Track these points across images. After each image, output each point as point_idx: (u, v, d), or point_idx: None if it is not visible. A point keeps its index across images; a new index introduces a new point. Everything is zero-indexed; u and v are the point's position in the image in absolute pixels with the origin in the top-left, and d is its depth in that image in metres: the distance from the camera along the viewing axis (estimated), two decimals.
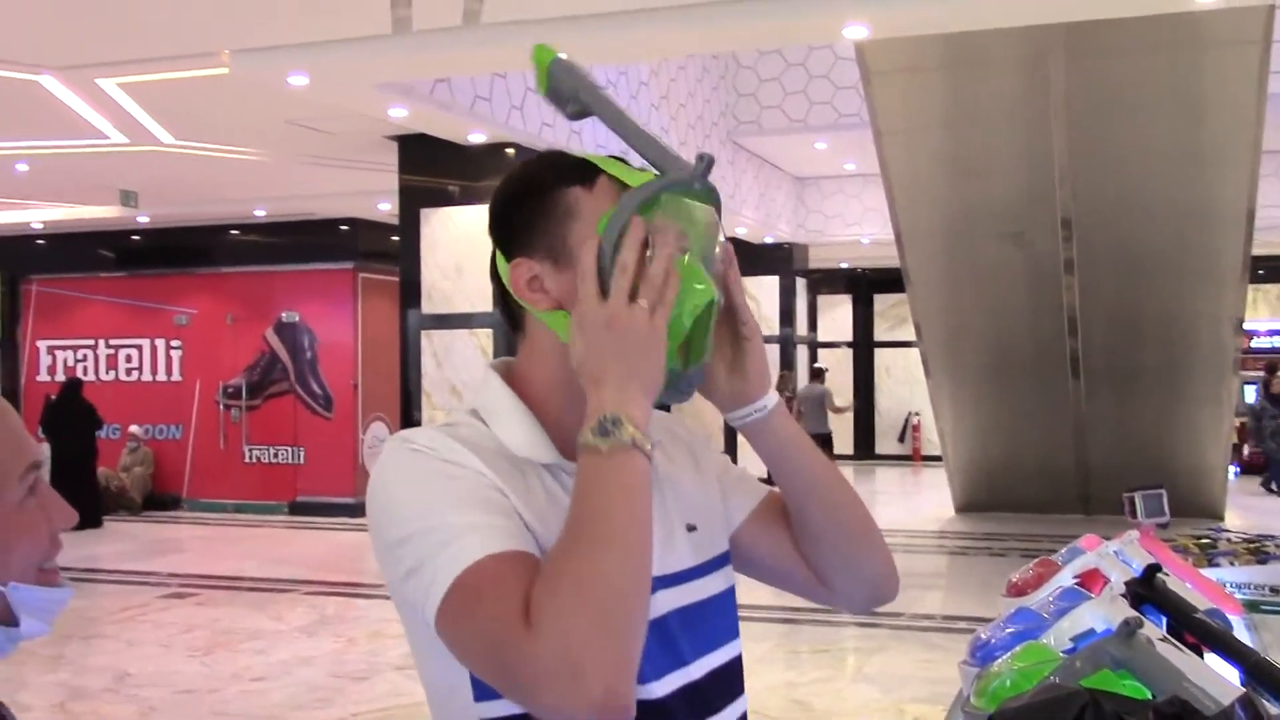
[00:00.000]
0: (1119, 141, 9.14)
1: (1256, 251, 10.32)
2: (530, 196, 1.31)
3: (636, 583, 1.10)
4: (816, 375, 16.35)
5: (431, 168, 9.31)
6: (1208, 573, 2.48)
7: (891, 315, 20.56)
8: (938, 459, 14.25)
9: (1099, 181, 9.37)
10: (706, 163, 1.25)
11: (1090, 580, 1.95)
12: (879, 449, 20.75)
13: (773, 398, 1.34)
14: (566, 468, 1.27)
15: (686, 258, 1.23)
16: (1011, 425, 11.59)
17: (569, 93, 1.30)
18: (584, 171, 1.29)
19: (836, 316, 21.14)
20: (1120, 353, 10.54)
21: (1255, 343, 18.20)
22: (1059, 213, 9.57)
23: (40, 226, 14.26)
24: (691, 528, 1.36)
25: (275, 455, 14.34)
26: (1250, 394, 17.70)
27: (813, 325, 19.41)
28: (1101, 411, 11.02)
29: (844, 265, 20.05)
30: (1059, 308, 10.21)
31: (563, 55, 1.32)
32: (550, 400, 1.31)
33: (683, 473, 1.40)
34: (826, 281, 20.36)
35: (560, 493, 1.26)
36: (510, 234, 1.32)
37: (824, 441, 16.02)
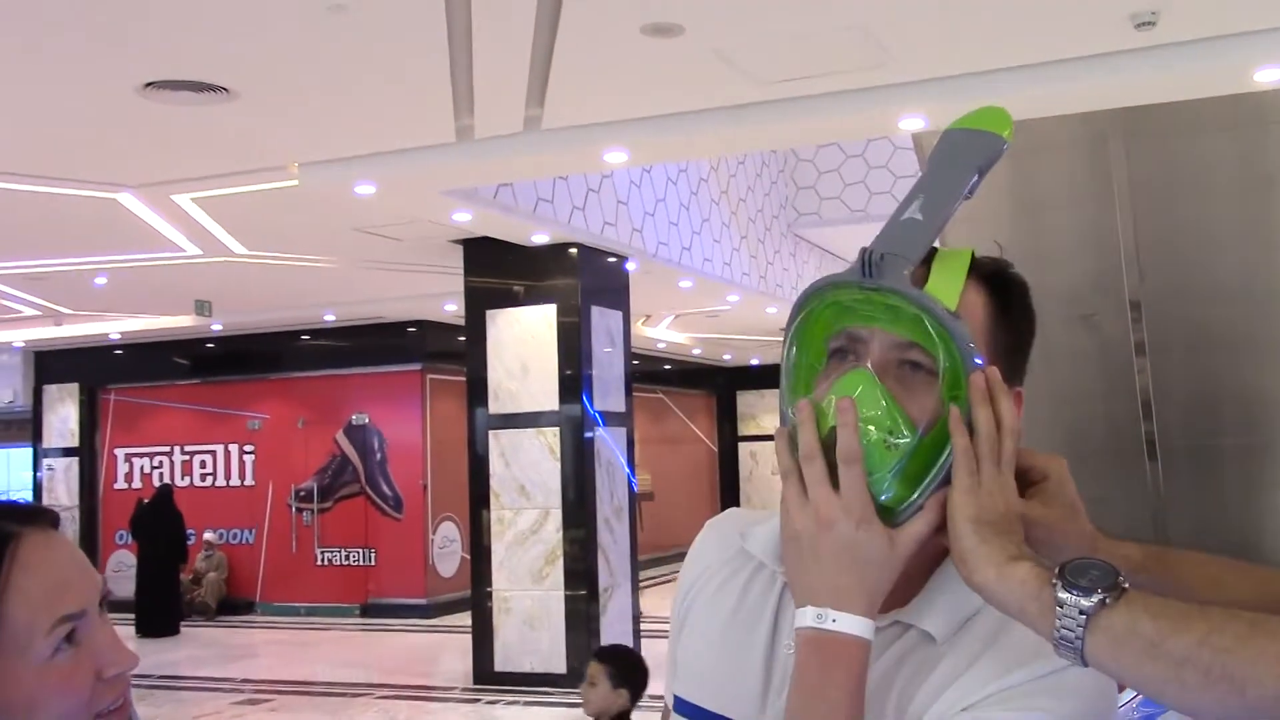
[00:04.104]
0: (1185, 222, 9.03)
1: None
2: None
3: None
4: None
5: (496, 269, 9.43)
6: None
7: None
8: None
9: (1166, 263, 9.25)
10: (866, 257, 1.08)
11: None
12: None
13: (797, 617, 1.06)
14: (778, 573, 1.23)
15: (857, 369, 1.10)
16: (1088, 511, 11.34)
17: (929, 167, 1.19)
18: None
19: None
20: (1199, 436, 10.32)
21: None
22: (1127, 295, 9.46)
23: (118, 337, 14.61)
24: None
25: (347, 557, 14.40)
26: None
27: None
28: (1182, 496, 10.76)
29: None
30: (1132, 391, 10.05)
31: (970, 126, 1.20)
32: None
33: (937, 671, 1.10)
34: None
35: (755, 590, 1.26)
36: None
37: None
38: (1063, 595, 0.95)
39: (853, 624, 1.03)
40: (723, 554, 1.31)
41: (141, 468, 15.71)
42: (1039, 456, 1.26)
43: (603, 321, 9.48)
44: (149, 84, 5.48)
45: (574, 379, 9.16)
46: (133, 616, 12.79)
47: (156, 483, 14.76)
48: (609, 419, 9.38)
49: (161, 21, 4.83)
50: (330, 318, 13.75)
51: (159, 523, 13.31)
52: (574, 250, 9.23)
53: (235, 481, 15.24)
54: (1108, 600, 0.94)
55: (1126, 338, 10.25)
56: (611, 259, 9.66)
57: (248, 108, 5.87)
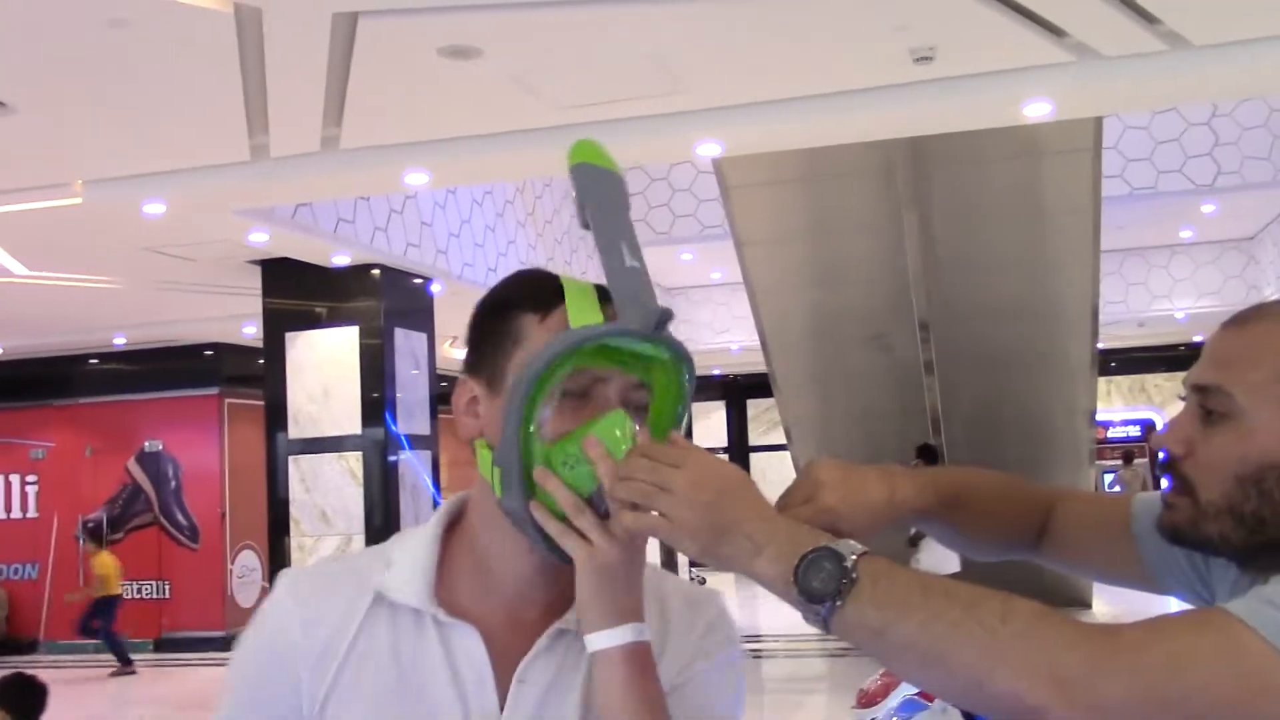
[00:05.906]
0: (967, 246, 9.51)
1: (1107, 345, 10.78)
2: (490, 315, 1.22)
3: None
4: None
5: (296, 290, 9.23)
6: None
7: (765, 419, 20.83)
8: None
9: (951, 285, 9.72)
10: (659, 316, 1.14)
11: None
12: None
13: (596, 641, 1.13)
14: (438, 617, 1.20)
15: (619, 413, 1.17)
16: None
17: (581, 200, 1.20)
18: (545, 298, 1.20)
19: (711, 423, 21.34)
20: (982, 449, 10.85)
21: (1111, 433, 18.87)
22: (916, 316, 9.87)
23: None
24: None
25: (139, 590, 13.80)
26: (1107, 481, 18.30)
27: (688, 432, 19.47)
28: None
29: (716, 372, 20.31)
30: (922, 408, 10.48)
31: (593, 161, 1.21)
32: (479, 538, 1.24)
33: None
34: (700, 388, 20.17)
35: (406, 646, 1.20)
36: (470, 350, 1.23)
37: None
38: (799, 598, 1.08)
39: (645, 630, 1.17)
40: (347, 615, 1.21)
41: None
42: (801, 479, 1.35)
43: (407, 343, 9.37)
44: None
45: (378, 401, 9.03)
46: None
47: None
48: (414, 441, 9.27)
49: None
50: (121, 341, 13.19)
51: None
52: (376, 271, 9.11)
53: (16, 514, 14.46)
54: (838, 602, 1.05)
55: (917, 357, 10.72)
56: (416, 280, 9.57)
57: (26, 122, 5.60)
